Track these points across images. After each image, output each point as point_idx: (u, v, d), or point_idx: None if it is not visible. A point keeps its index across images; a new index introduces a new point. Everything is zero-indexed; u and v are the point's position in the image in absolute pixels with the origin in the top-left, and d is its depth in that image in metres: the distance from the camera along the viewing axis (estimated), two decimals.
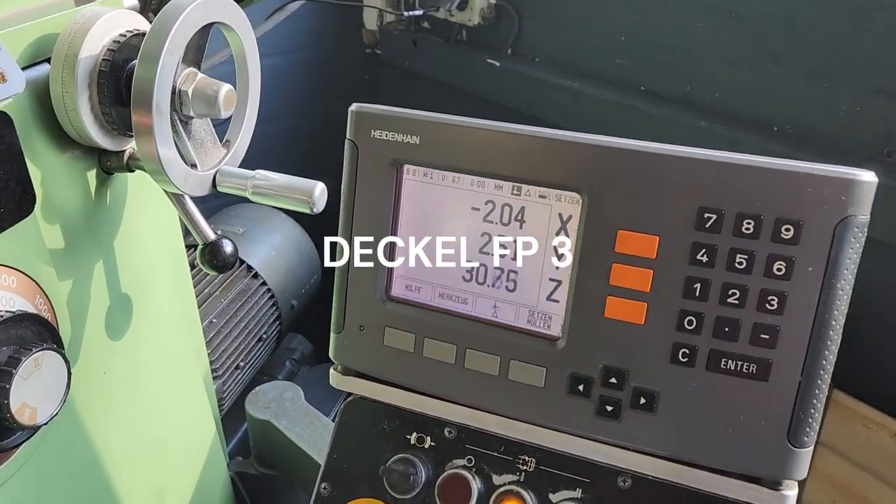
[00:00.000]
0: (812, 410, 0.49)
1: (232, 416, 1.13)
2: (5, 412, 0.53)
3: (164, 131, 0.60)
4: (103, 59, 0.62)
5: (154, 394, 0.80)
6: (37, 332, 0.58)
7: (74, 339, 0.66)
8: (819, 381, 0.49)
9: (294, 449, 0.91)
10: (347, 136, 0.59)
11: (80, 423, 0.68)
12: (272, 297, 1.24)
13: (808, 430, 0.50)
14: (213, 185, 0.69)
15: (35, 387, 0.55)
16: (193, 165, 0.66)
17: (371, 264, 0.59)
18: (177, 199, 0.69)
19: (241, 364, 1.14)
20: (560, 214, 0.54)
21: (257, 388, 1.01)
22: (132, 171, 0.70)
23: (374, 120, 0.57)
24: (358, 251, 0.60)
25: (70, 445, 0.67)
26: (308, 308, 1.42)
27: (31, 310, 0.58)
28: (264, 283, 1.22)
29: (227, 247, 0.71)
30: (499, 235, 0.56)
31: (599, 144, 0.51)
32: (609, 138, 0.51)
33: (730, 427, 0.51)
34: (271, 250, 1.28)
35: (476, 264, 0.57)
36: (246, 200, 1.39)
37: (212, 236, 0.71)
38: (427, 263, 0.59)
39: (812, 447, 0.50)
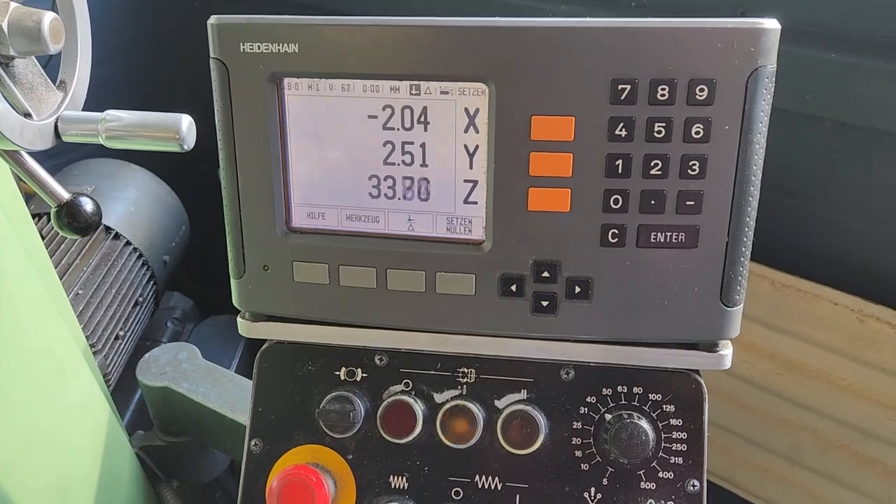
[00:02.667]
0: (741, 268, 0.50)
1: (122, 390, 1.03)
2: None
3: None
4: None
5: (29, 384, 0.71)
6: None
7: None
8: (745, 239, 0.49)
9: (203, 411, 0.85)
10: (212, 54, 0.51)
11: None
12: (140, 256, 1.13)
13: (738, 288, 0.50)
14: (57, 135, 0.59)
15: None
16: (27, 115, 0.56)
17: (264, 197, 0.53)
18: (13, 158, 0.59)
19: (121, 333, 1.04)
20: (466, 109, 0.50)
21: (147, 354, 0.92)
22: None
23: (243, 31, 0.50)
24: (246, 184, 0.53)
25: None
26: (182, 262, 1.31)
27: None
28: (129, 243, 1.11)
29: (87, 205, 0.62)
30: (403, 142, 0.51)
31: (500, 26, 0.47)
32: (510, 20, 0.47)
33: (665, 299, 0.51)
34: (129, 206, 1.16)
35: (382, 177, 0.52)
36: (88, 155, 1.24)
37: (66, 196, 0.61)
38: (327, 185, 0.53)
39: (742, 305, 0.51)
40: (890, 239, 0.99)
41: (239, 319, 0.57)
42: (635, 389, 0.53)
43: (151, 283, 1.16)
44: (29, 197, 0.87)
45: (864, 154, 0.97)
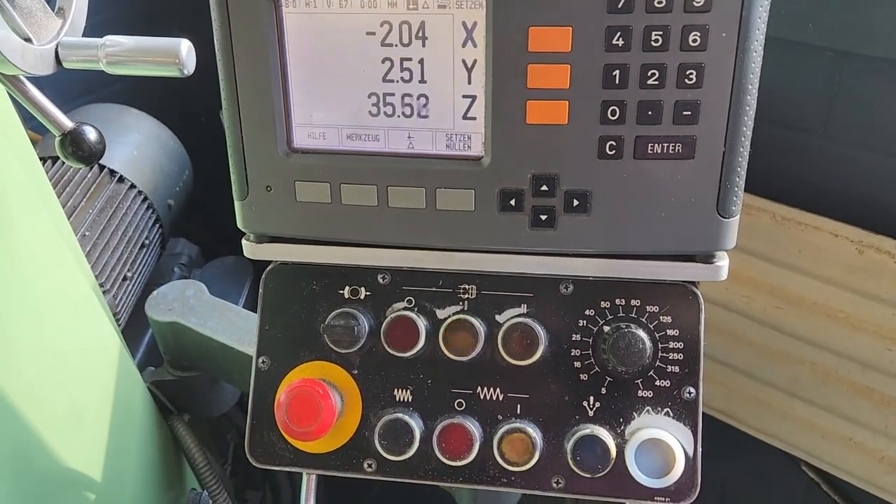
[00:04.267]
0: (737, 179, 0.50)
1: (131, 329, 1.05)
2: None
3: None
4: None
5: (44, 318, 0.72)
6: None
7: None
8: (741, 149, 0.50)
9: (211, 344, 0.86)
10: None
11: None
12: (145, 199, 1.13)
13: (734, 199, 0.51)
14: (58, 61, 0.59)
15: None
16: (28, 40, 0.56)
17: (265, 118, 0.54)
18: (16, 85, 0.59)
19: (129, 274, 1.05)
20: (464, 23, 0.50)
21: (155, 291, 0.94)
22: None
23: None
24: (247, 106, 0.54)
25: None
26: (187, 208, 1.32)
27: None
28: (133, 186, 1.12)
29: (91, 133, 0.63)
30: (402, 59, 0.52)
31: None
32: None
33: (662, 211, 0.51)
34: (132, 150, 1.16)
35: (381, 95, 0.53)
36: (89, 101, 1.24)
37: (69, 124, 0.62)
38: (327, 105, 0.54)
39: (738, 216, 0.52)
40: (891, 170, 0.99)
41: (244, 241, 0.58)
42: (633, 302, 0.54)
43: (157, 226, 1.17)
44: (34, 142, 0.88)
45: (865, 84, 0.97)
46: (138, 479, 0.87)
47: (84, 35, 0.62)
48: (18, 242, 0.68)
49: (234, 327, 0.87)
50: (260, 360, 0.58)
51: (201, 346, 0.88)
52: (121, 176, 1.11)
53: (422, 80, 0.52)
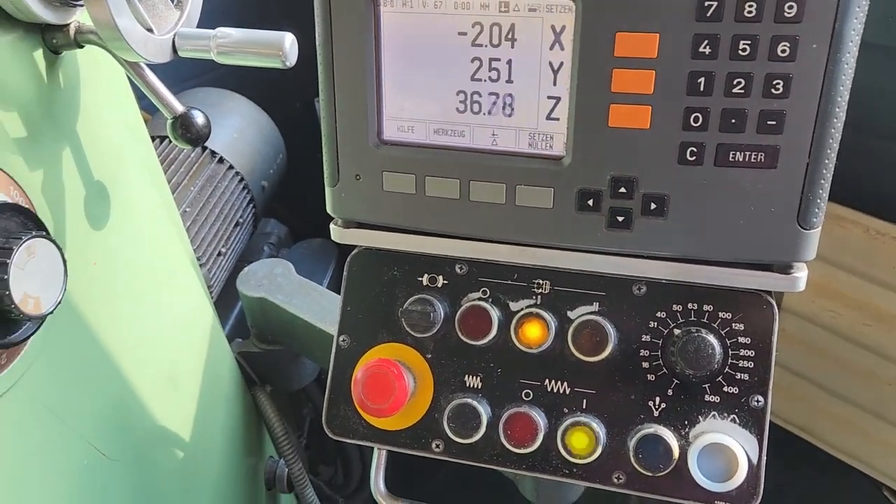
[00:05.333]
0: (820, 191, 0.50)
1: (222, 302, 1.12)
2: (8, 303, 0.51)
3: None
4: None
5: (147, 283, 0.78)
6: (20, 222, 0.55)
7: (58, 229, 0.63)
8: (826, 161, 0.49)
9: (294, 321, 0.91)
10: None
11: (83, 315, 0.66)
12: (241, 180, 1.20)
13: (816, 210, 0.51)
14: (174, 50, 0.64)
15: (33, 276, 0.53)
16: (149, 30, 0.62)
17: (358, 110, 0.57)
18: (136, 70, 0.65)
19: (223, 250, 1.12)
20: (553, 27, 0.51)
21: (246, 268, 1.00)
22: (81, 46, 0.65)
23: None
24: (342, 98, 0.57)
25: (77, 337, 0.66)
26: (278, 191, 1.38)
27: (8, 200, 0.55)
28: (231, 167, 1.18)
29: (199, 118, 0.68)
30: (490, 59, 0.54)
31: None
32: None
33: (740, 219, 0.51)
34: (233, 133, 1.23)
35: (469, 93, 0.55)
36: (196, 84, 1.32)
37: (180, 108, 0.67)
38: (417, 100, 0.56)
39: (820, 228, 0.52)
40: None
41: (332, 226, 0.62)
42: (705, 307, 0.55)
43: (251, 206, 1.23)
44: (146, 122, 0.94)
45: None
46: (223, 442, 0.93)
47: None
48: (130, 215, 0.74)
49: (318, 306, 0.91)
50: (341, 339, 0.62)
51: (286, 322, 0.93)
52: (221, 157, 1.18)
53: (509, 80, 0.54)
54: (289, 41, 0.62)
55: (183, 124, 0.67)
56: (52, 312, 0.55)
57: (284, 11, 1.55)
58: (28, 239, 0.52)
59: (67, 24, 0.63)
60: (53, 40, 0.63)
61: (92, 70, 0.69)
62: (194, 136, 0.68)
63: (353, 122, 0.57)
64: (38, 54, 0.63)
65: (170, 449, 0.81)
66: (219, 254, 1.11)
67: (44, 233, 0.55)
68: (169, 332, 0.82)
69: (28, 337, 0.56)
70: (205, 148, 1.18)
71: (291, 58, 0.63)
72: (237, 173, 1.19)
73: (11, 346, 0.55)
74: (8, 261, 0.50)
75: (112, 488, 0.70)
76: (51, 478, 0.63)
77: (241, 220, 1.19)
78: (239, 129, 1.24)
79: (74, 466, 0.65)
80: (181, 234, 0.88)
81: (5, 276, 0.50)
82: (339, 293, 0.66)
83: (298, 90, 1.40)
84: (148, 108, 0.98)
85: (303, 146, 1.46)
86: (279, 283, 0.95)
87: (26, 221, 0.56)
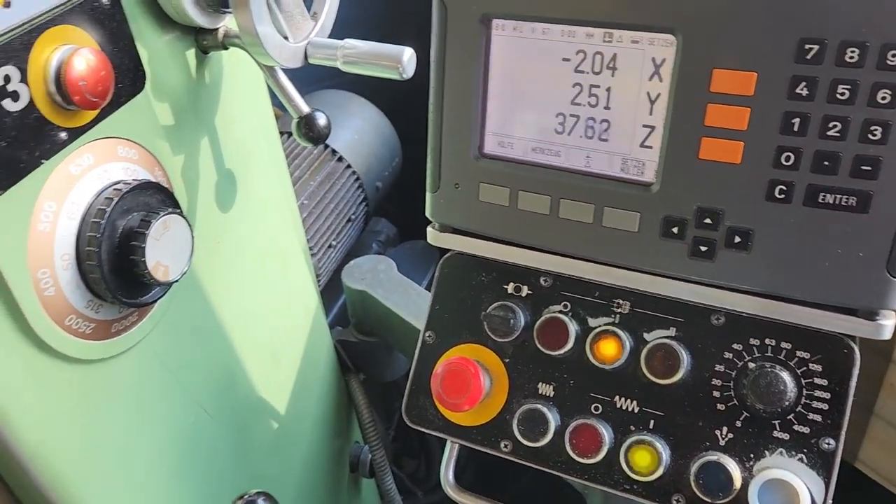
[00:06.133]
0: None
1: (327, 292, 1.19)
2: (143, 269, 0.58)
3: (259, 3, 0.62)
4: None
5: (262, 265, 0.86)
6: (160, 199, 0.63)
7: (190, 209, 0.71)
8: None
9: (391, 315, 0.96)
10: None
11: (203, 287, 0.74)
12: (357, 179, 1.27)
13: None
14: (305, 57, 0.71)
15: (165, 247, 0.60)
16: (286, 38, 0.68)
17: (463, 124, 0.61)
18: (271, 73, 0.72)
19: (333, 243, 1.19)
20: (653, 59, 0.54)
21: (352, 261, 1.06)
22: (226, 48, 0.72)
23: None
24: (450, 111, 0.61)
25: (196, 307, 0.74)
26: (391, 192, 1.45)
27: (152, 179, 0.63)
28: (349, 167, 1.26)
29: (321, 119, 0.74)
30: (591, 85, 0.56)
31: None
32: None
33: (826, 260, 0.52)
34: (353, 134, 1.30)
35: (568, 115, 0.58)
36: (325, 87, 1.40)
37: (306, 109, 0.73)
38: (518, 119, 0.60)
39: None
40: None
41: (429, 229, 0.66)
42: (783, 344, 0.55)
43: (363, 204, 1.30)
44: (276, 118, 1.03)
45: None
46: (314, 421, 1.00)
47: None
48: (253, 201, 0.82)
49: (414, 304, 0.96)
50: (426, 334, 0.66)
51: (383, 316, 0.98)
52: (340, 156, 1.25)
53: (606, 107, 0.56)
54: (407, 55, 0.67)
55: (307, 124, 0.73)
56: (177, 281, 0.62)
57: (407, 28, 1.62)
58: (165, 215, 0.60)
59: (217, 29, 0.71)
60: (204, 42, 0.71)
61: (234, 70, 0.77)
62: (315, 136, 0.74)
63: (457, 135, 0.61)
64: (191, 53, 0.71)
65: (266, 418, 0.88)
66: (329, 246, 1.19)
67: (179, 210, 0.62)
68: (276, 312, 0.90)
69: (155, 300, 0.63)
70: (326, 146, 1.26)
71: (409, 70, 0.68)
72: (354, 172, 1.27)
73: (141, 306, 0.63)
74: (146, 232, 0.58)
75: (212, 446, 0.78)
76: (162, 427, 0.70)
77: (353, 217, 1.27)
78: (360, 132, 1.31)
79: (182, 421, 0.73)
80: (297, 224, 0.96)
81: (143, 245, 0.58)
82: None
83: (421, 99, 1.47)
84: (280, 105, 1.07)
85: (420, 152, 1.52)
86: (381, 279, 1.01)
87: (165, 199, 0.63)
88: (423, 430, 0.65)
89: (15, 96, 0.51)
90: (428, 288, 1.17)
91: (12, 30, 0.50)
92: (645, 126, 0.55)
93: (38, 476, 0.59)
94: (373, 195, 1.33)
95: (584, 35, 0.55)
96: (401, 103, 1.51)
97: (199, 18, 0.67)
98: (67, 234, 0.57)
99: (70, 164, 0.57)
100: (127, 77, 0.60)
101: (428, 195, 0.65)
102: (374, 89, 1.45)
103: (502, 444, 0.62)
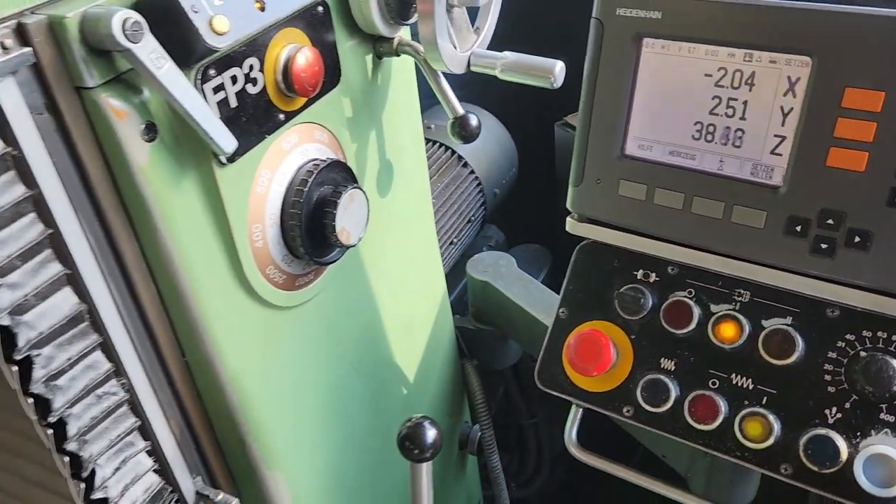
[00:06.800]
0: None
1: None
2: (332, 231, 0.70)
3: (441, 16, 0.73)
4: None
5: (403, 249, 0.97)
6: (344, 176, 0.75)
7: None
8: None
9: (511, 305, 1.06)
10: (594, 14, 0.69)
11: (361, 259, 0.85)
12: (479, 184, 1.38)
13: None
14: (468, 65, 0.81)
15: (349, 215, 0.72)
16: (454, 47, 0.79)
17: (609, 127, 0.70)
18: (435, 78, 0.83)
19: (454, 240, 1.30)
20: (789, 77, 0.61)
21: (475, 255, 1.16)
22: (398, 55, 0.84)
23: None
24: (597, 116, 0.70)
25: (356, 276, 0.85)
26: (504, 201, 1.55)
27: (339, 159, 0.75)
28: (472, 172, 1.37)
29: (473, 120, 0.85)
30: (729, 98, 0.64)
31: (831, 11, 0.58)
32: (839, 6, 0.58)
33: None
34: (477, 143, 1.40)
35: (705, 124, 0.66)
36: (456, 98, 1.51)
37: (461, 111, 0.84)
38: (659, 125, 0.68)
39: None
40: None
41: (569, 219, 0.75)
42: (895, 337, 0.61)
43: (482, 208, 1.40)
44: None
45: None
46: (433, 397, 1.10)
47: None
48: (402, 190, 0.93)
49: (532, 297, 1.05)
50: (560, 310, 0.75)
51: (502, 305, 1.08)
52: (465, 162, 1.36)
53: (742, 118, 0.64)
54: (559, 67, 0.77)
55: (461, 124, 0.84)
56: (354, 245, 0.74)
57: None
58: (351, 188, 0.71)
59: (393, 38, 0.82)
60: (380, 49, 0.83)
61: (397, 75, 0.88)
62: (468, 135, 0.85)
63: (602, 136, 0.70)
64: (368, 58, 0.83)
65: (397, 385, 0.99)
66: (451, 242, 1.29)
67: (360, 186, 0.74)
68: (411, 291, 1.00)
69: (334, 261, 0.75)
70: (453, 152, 1.37)
71: (559, 81, 0.78)
72: (476, 178, 1.37)
73: (325, 264, 0.74)
74: (338, 201, 0.70)
75: (355, 397, 0.89)
76: (322, 373, 0.82)
77: (472, 218, 1.37)
78: (483, 140, 1.42)
79: (337, 370, 0.84)
80: (431, 217, 1.06)
81: (334, 212, 0.69)
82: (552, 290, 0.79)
83: (538, 113, 1.56)
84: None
85: (534, 164, 1.61)
86: (502, 273, 1.10)
87: (347, 177, 0.75)
88: (553, 392, 0.73)
89: (255, 82, 0.64)
90: None
91: (262, 29, 0.62)
92: (776, 136, 0.63)
93: (232, 398, 0.71)
94: (491, 200, 1.43)
95: (726, 54, 0.64)
96: (521, 116, 1.61)
97: (382, 28, 0.79)
98: (276, 198, 0.69)
99: (282, 140, 0.69)
100: (329, 73, 0.72)
101: (570, 189, 0.74)
102: (494, 103, 1.56)
103: (625, 409, 0.70)
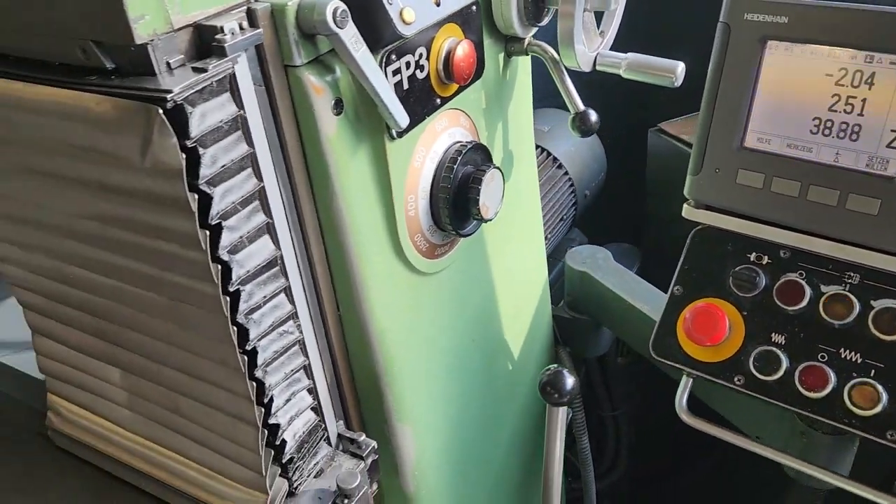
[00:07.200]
0: None
1: None
2: (475, 205, 0.78)
3: (579, 18, 0.81)
4: None
5: (516, 235, 1.04)
6: (483, 157, 0.83)
7: None
8: None
9: (609, 294, 1.13)
10: (721, 18, 0.76)
11: (483, 241, 0.93)
12: (571, 185, 1.45)
13: None
14: (594, 64, 0.90)
15: (489, 193, 0.80)
16: (584, 48, 0.87)
17: (729, 121, 0.77)
18: (560, 75, 0.91)
19: (548, 236, 1.37)
20: None
21: (573, 248, 1.23)
22: (527, 54, 0.92)
23: (750, 4, 0.74)
24: (720, 109, 0.78)
25: (480, 253, 0.93)
26: (591, 204, 1.62)
27: (479, 142, 0.83)
28: (566, 173, 1.44)
29: (593, 116, 0.93)
30: (848, 96, 0.71)
31: None
32: None
33: None
34: (571, 146, 1.49)
35: (823, 120, 0.73)
36: (549, 105, 1.60)
37: (581, 106, 0.92)
38: (778, 120, 0.75)
39: None
40: None
41: (685, 206, 0.82)
42: None
43: (573, 208, 1.48)
44: None
45: None
46: (531, 378, 1.17)
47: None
48: (520, 180, 1.01)
49: (629, 287, 1.12)
50: (675, 288, 0.82)
51: (600, 294, 1.15)
52: (560, 163, 1.44)
53: (860, 114, 0.71)
54: (680, 68, 0.85)
55: (581, 118, 0.92)
56: (490, 220, 0.82)
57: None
58: (492, 168, 0.80)
59: (524, 38, 0.91)
60: (511, 48, 0.92)
61: (520, 73, 0.97)
62: (587, 129, 0.92)
63: (723, 130, 0.78)
64: (500, 56, 0.91)
65: (504, 359, 1.07)
66: (545, 238, 1.37)
67: (499, 167, 0.82)
68: (521, 275, 1.08)
69: (471, 234, 0.83)
70: (549, 153, 1.45)
71: (679, 80, 0.85)
72: (570, 179, 1.45)
73: (463, 236, 0.83)
74: (482, 178, 0.78)
75: (472, 365, 0.97)
76: (446, 340, 0.90)
77: (564, 217, 1.45)
78: (576, 144, 1.50)
79: (457, 340, 0.92)
80: (539, 208, 1.14)
81: (479, 187, 0.78)
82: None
83: (628, 121, 1.64)
84: None
85: (619, 169, 1.68)
86: (600, 265, 1.18)
87: (486, 157, 0.84)
88: (665, 361, 0.80)
89: (422, 69, 0.73)
90: None
91: (435, 22, 0.72)
92: (893, 130, 0.69)
93: (377, 352, 0.79)
94: (581, 201, 1.50)
95: (847, 57, 0.70)
96: (612, 124, 1.68)
97: (518, 29, 0.88)
98: (428, 173, 0.78)
99: (436, 123, 0.78)
100: (477, 66, 0.81)
101: (689, 177, 0.81)
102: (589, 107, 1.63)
103: (736, 378, 0.76)
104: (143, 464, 0.81)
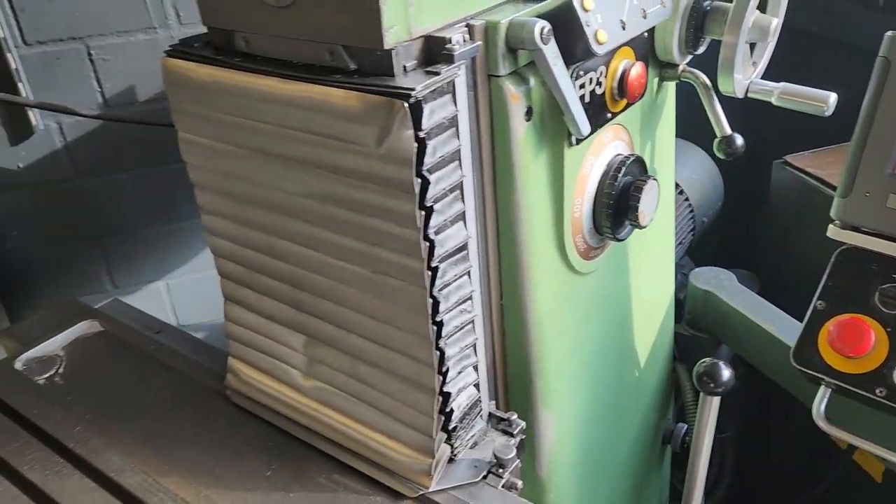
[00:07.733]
0: None
1: None
2: (635, 212, 0.86)
3: (741, 47, 0.88)
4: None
5: (654, 249, 1.11)
6: (641, 169, 0.91)
7: None
8: None
9: (733, 314, 1.17)
10: (881, 53, 0.82)
11: (628, 252, 1.01)
12: (691, 211, 1.51)
13: None
14: (746, 92, 0.96)
15: (648, 202, 0.87)
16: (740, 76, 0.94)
17: (884, 147, 0.82)
18: (710, 101, 0.98)
19: None
20: None
21: (696, 269, 1.29)
22: (679, 80, 1.00)
23: None
24: (873, 138, 0.83)
25: (622, 262, 1.00)
26: (707, 231, 1.66)
27: (637, 155, 0.91)
28: (687, 199, 1.50)
29: (739, 140, 0.99)
30: None
31: None
32: None
33: None
34: (691, 175, 1.54)
35: None
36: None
37: (728, 130, 0.99)
38: None
39: None
40: None
41: (831, 226, 0.87)
42: None
43: (691, 233, 1.53)
44: None
45: None
46: (653, 389, 1.22)
47: None
48: (660, 208, 1.08)
49: (754, 307, 1.17)
50: (818, 303, 0.87)
51: (723, 313, 1.20)
52: (682, 189, 1.50)
53: None
54: (832, 98, 0.90)
55: (727, 142, 0.99)
56: (645, 227, 0.89)
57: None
58: (652, 179, 0.87)
59: (678, 65, 0.99)
60: (665, 73, 1.00)
61: (668, 98, 1.04)
62: (733, 152, 0.99)
63: (875, 156, 0.83)
64: (655, 80, 0.99)
65: (631, 365, 1.13)
66: None
67: (656, 178, 0.89)
68: (653, 290, 1.14)
69: (624, 239, 0.91)
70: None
71: (831, 111, 0.91)
72: (690, 205, 1.51)
73: (618, 240, 0.90)
74: (644, 186, 0.86)
75: (607, 364, 1.03)
76: (589, 336, 0.97)
77: (682, 241, 1.50)
78: (696, 173, 1.55)
79: (597, 338, 0.99)
80: (672, 228, 1.20)
81: (639, 195, 0.85)
82: None
83: (753, 158, 1.68)
84: None
85: (736, 200, 1.72)
86: (724, 285, 1.23)
87: (643, 170, 0.91)
88: (806, 370, 0.85)
89: (600, 85, 0.81)
90: None
91: (619, 45, 0.80)
92: None
93: (533, 341, 0.87)
94: (699, 227, 1.55)
95: None
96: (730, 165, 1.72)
97: (677, 56, 0.95)
98: (594, 180, 0.86)
99: (603, 135, 0.86)
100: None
101: (836, 200, 0.86)
102: (706, 138, 1.69)
103: (877, 390, 0.81)
104: (314, 423, 0.91)
